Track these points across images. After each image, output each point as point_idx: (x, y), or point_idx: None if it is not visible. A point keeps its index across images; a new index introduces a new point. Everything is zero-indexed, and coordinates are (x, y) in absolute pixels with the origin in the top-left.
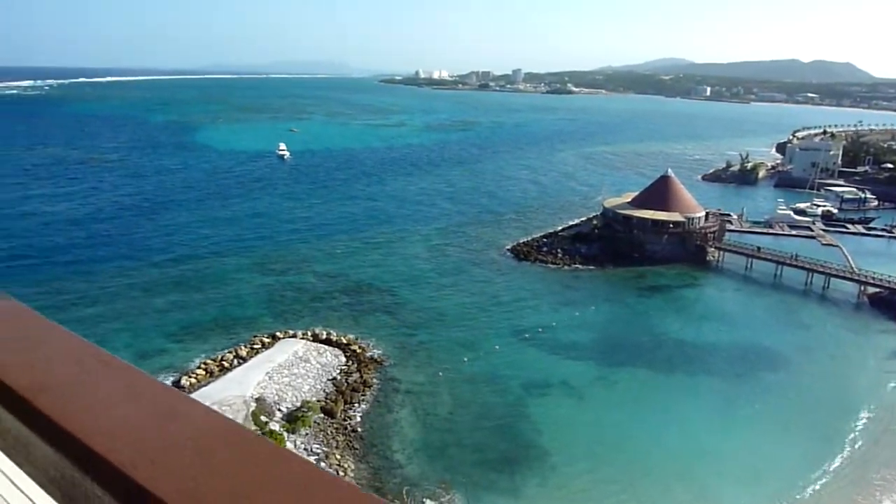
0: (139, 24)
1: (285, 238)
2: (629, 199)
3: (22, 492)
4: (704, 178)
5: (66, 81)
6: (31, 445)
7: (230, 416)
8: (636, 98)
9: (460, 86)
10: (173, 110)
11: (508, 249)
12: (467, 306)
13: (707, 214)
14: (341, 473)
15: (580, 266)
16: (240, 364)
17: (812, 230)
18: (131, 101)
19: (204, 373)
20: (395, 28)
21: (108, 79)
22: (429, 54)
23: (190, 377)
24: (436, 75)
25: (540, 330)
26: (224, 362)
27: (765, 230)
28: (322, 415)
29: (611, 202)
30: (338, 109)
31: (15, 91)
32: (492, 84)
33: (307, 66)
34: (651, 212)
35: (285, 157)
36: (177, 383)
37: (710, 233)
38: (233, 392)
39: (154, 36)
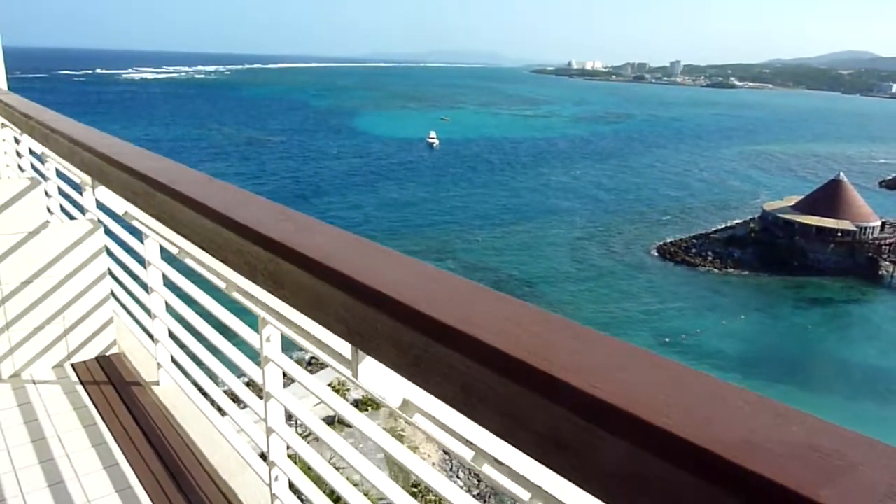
0: (308, 12)
1: (429, 224)
2: (793, 203)
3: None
4: (884, 184)
5: (243, 67)
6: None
7: (300, 439)
8: (808, 94)
9: (614, 77)
10: (333, 96)
11: (655, 249)
12: (606, 304)
13: (883, 224)
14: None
15: (732, 270)
16: None
17: None
18: (297, 87)
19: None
20: (548, 17)
21: (278, 65)
22: (582, 44)
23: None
24: (589, 66)
25: (683, 336)
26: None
27: None
28: None
29: (771, 205)
30: (489, 99)
31: (202, 76)
32: (647, 76)
33: (461, 56)
34: (817, 218)
35: (434, 145)
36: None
37: (886, 244)
38: (302, 415)
39: (318, 24)
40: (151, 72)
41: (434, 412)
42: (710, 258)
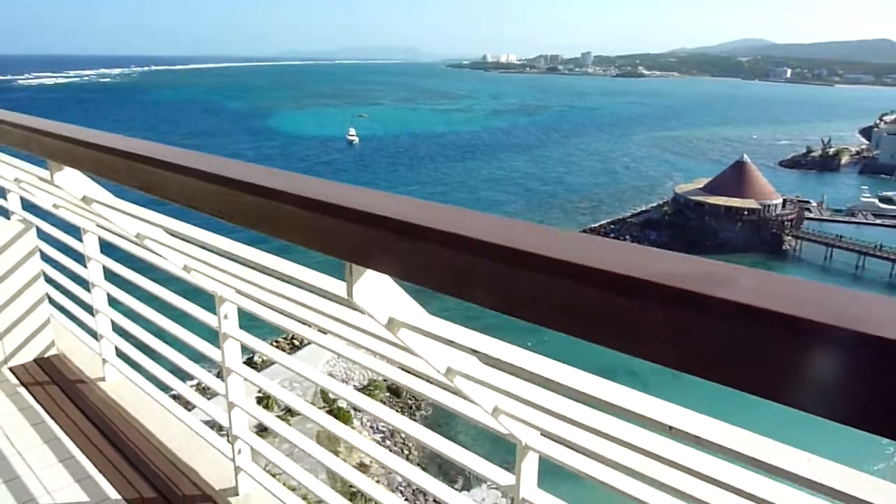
0: (208, 14)
1: None
2: (702, 186)
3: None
4: (782, 164)
5: (150, 69)
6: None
7: (298, 394)
8: (711, 81)
9: (528, 69)
10: (247, 96)
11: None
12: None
13: (784, 202)
14: (405, 452)
15: None
16: (310, 343)
17: None
18: (207, 88)
19: (276, 349)
20: (463, 12)
21: (187, 66)
22: (496, 38)
23: (262, 355)
24: (503, 59)
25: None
26: (295, 340)
27: (847, 219)
28: (388, 394)
29: (683, 188)
30: (406, 95)
31: (108, 79)
32: (560, 68)
33: (375, 52)
34: (724, 198)
35: (354, 142)
36: (250, 361)
37: (788, 220)
38: (302, 370)
39: (225, 25)
40: (51, 76)
41: (418, 325)
42: (628, 241)
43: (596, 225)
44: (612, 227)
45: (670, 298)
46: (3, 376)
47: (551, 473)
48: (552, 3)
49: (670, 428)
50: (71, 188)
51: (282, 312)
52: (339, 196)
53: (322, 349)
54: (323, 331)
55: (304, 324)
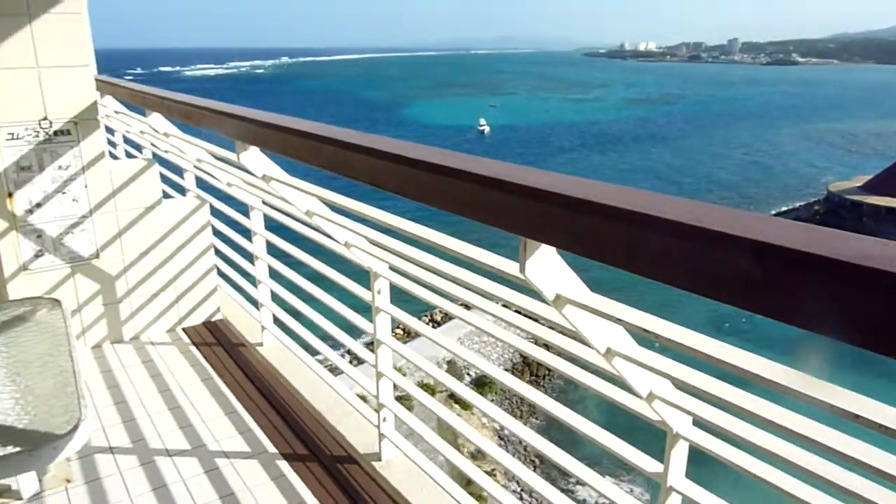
0: (345, 7)
1: None
2: (860, 184)
3: None
4: None
5: (296, 60)
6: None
7: (409, 382)
8: (878, 69)
9: (668, 58)
10: (382, 86)
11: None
12: (667, 291)
13: None
14: (522, 444)
15: None
16: (434, 328)
17: None
18: (346, 78)
19: (402, 333)
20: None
21: (328, 58)
22: (635, 25)
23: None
24: (642, 47)
25: (743, 320)
26: (435, 319)
27: None
28: (533, 377)
29: (837, 186)
30: (537, 84)
31: (261, 70)
32: (704, 55)
33: (508, 42)
34: (887, 199)
35: (485, 132)
36: (369, 344)
37: None
38: (425, 354)
39: (359, 17)
40: (212, 67)
41: (583, 301)
42: None
43: None
44: None
45: (865, 279)
46: (178, 336)
47: (701, 464)
48: None
49: (880, 426)
50: (253, 167)
51: (433, 289)
52: (514, 174)
53: (457, 328)
54: (467, 306)
55: (455, 301)
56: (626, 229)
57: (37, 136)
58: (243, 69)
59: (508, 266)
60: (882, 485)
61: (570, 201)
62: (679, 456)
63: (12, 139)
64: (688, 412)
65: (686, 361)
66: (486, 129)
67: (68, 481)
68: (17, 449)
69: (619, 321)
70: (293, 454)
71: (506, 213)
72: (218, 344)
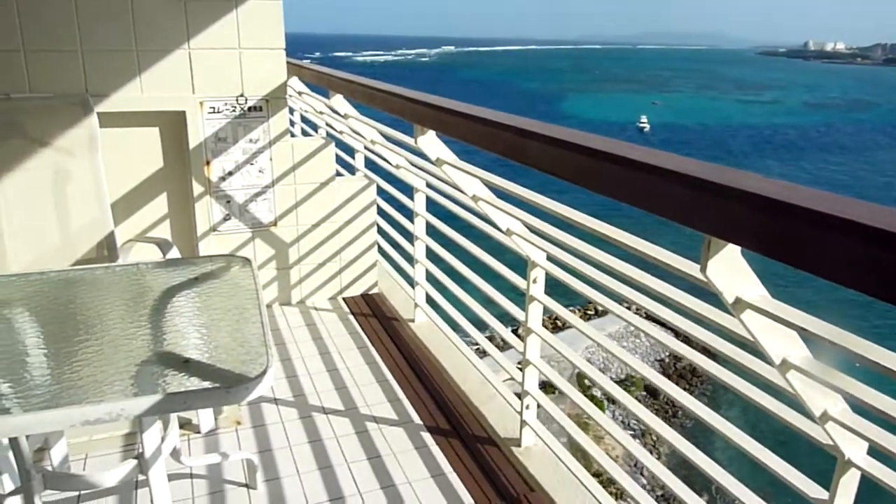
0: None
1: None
2: None
3: None
4: None
5: (461, 50)
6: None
7: (556, 373)
8: None
9: (859, 60)
10: (542, 78)
11: None
12: (870, 318)
13: None
14: (654, 455)
15: None
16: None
17: None
18: (508, 69)
19: (551, 325)
20: None
21: (492, 48)
22: (821, 22)
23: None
24: (829, 47)
25: None
26: (558, 321)
27: None
28: (644, 392)
29: None
30: (706, 83)
31: (426, 59)
32: None
33: (678, 37)
34: None
35: (645, 129)
36: (515, 331)
37: None
38: (563, 350)
39: (527, 9)
40: (381, 54)
41: (765, 307)
42: None
43: None
44: None
45: None
46: (338, 304)
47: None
48: None
49: None
50: (429, 149)
51: (590, 283)
52: (703, 172)
53: (608, 325)
54: (628, 306)
55: (613, 297)
56: (823, 233)
57: (234, 110)
58: (409, 56)
59: (687, 266)
60: None
61: (764, 202)
62: (848, 485)
63: (213, 112)
64: (864, 437)
65: (867, 382)
66: (647, 126)
67: (238, 423)
68: (217, 385)
69: (803, 330)
70: (436, 427)
71: (692, 208)
72: (373, 316)
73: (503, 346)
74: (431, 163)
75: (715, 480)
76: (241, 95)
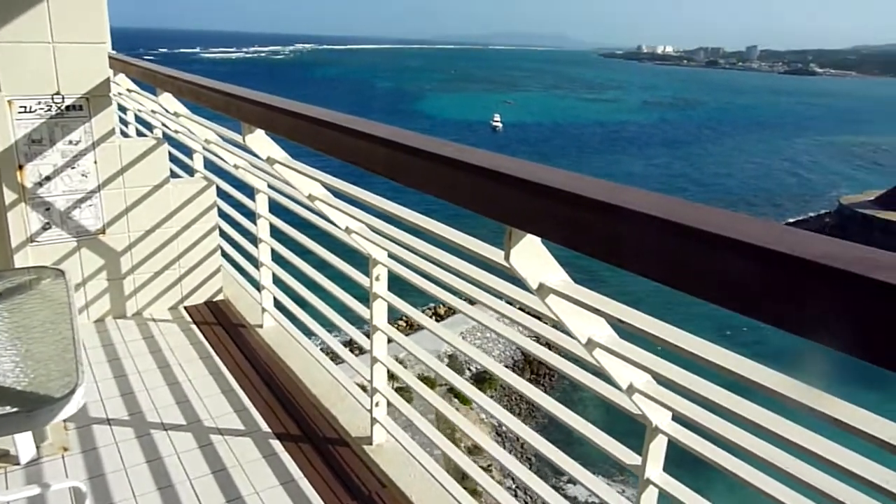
0: None
1: None
2: (873, 198)
3: None
4: None
5: (314, 47)
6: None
7: (402, 368)
8: None
9: (686, 62)
10: (397, 77)
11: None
12: (669, 299)
13: None
14: (520, 442)
15: None
16: (452, 315)
17: None
18: (362, 67)
19: (405, 325)
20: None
21: (347, 46)
22: (653, 28)
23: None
24: (659, 50)
25: (745, 329)
26: (438, 313)
27: None
28: (532, 375)
29: (849, 199)
30: (555, 83)
31: (280, 56)
32: (721, 62)
33: (527, 38)
34: None
35: (498, 128)
36: (368, 334)
37: None
38: (426, 347)
39: (381, 7)
40: (232, 51)
41: (566, 291)
42: None
43: None
44: None
45: (828, 277)
46: (180, 314)
47: (680, 458)
48: None
49: (811, 409)
50: (259, 149)
51: (430, 278)
52: (505, 165)
53: (461, 323)
54: (471, 301)
55: (452, 292)
56: (610, 222)
57: (49, 110)
58: (262, 54)
59: (494, 254)
60: (857, 488)
61: (556, 193)
62: (657, 450)
63: (24, 112)
64: (667, 407)
65: (668, 357)
66: (500, 125)
67: (65, 449)
68: (15, 409)
69: (599, 312)
70: (286, 434)
71: (493, 201)
72: (218, 324)
73: (352, 345)
74: (264, 162)
75: (555, 464)
76: (58, 93)
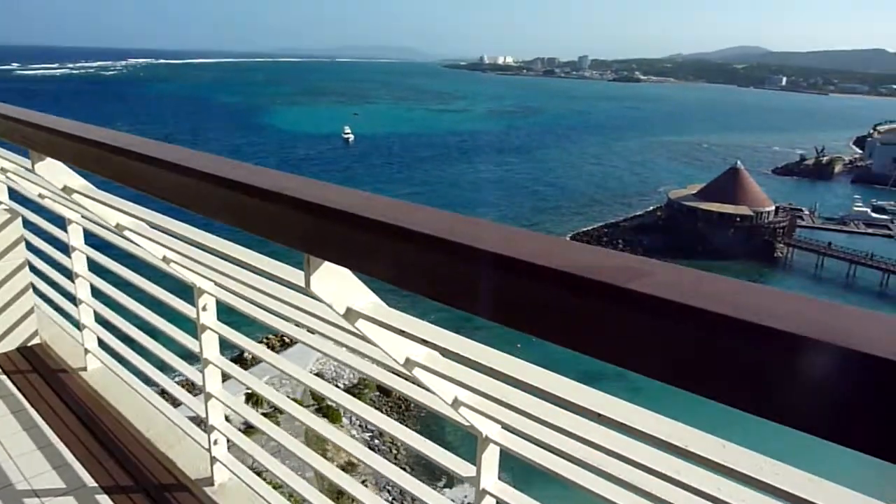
0: (208, 8)
1: None
2: (695, 191)
3: None
4: (776, 171)
5: (148, 62)
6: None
7: (288, 391)
8: (707, 87)
9: (525, 72)
10: (241, 91)
11: (570, 239)
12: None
13: (777, 209)
14: (394, 452)
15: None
16: (284, 349)
17: (890, 228)
18: (202, 83)
19: (266, 347)
20: (461, 12)
21: (185, 61)
22: (494, 40)
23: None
24: (500, 61)
25: (534, 340)
26: (285, 338)
27: (839, 227)
28: (378, 393)
29: (676, 193)
30: (402, 94)
31: (113, 72)
32: (557, 70)
33: (373, 51)
34: (718, 204)
35: (349, 140)
36: (238, 358)
37: (780, 228)
38: (292, 367)
39: (224, 20)
40: (53, 67)
41: (375, 316)
42: (620, 246)
43: (589, 228)
44: (606, 230)
45: (586, 289)
46: None
47: (516, 465)
48: (550, 6)
49: (599, 415)
50: (52, 178)
51: (258, 305)
52: (295, 188)
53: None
54: (286, 319)
55: (282, 318)
56: (392, 243)
57: None
58: (91, 70)
59: (297, 278)
60: (661, 479)
61: (344, 216)
62: (490, 459)
63: None
64: (494, 419)
65: (490, 372)
66: (351, 137)
67: None
68: None
69: (405, 334)
70: (115, 486)
71: (287, 227)
72: (34, 371)
73: (189, 382)
74: (40, 208)
75: (377, 471)
76: None
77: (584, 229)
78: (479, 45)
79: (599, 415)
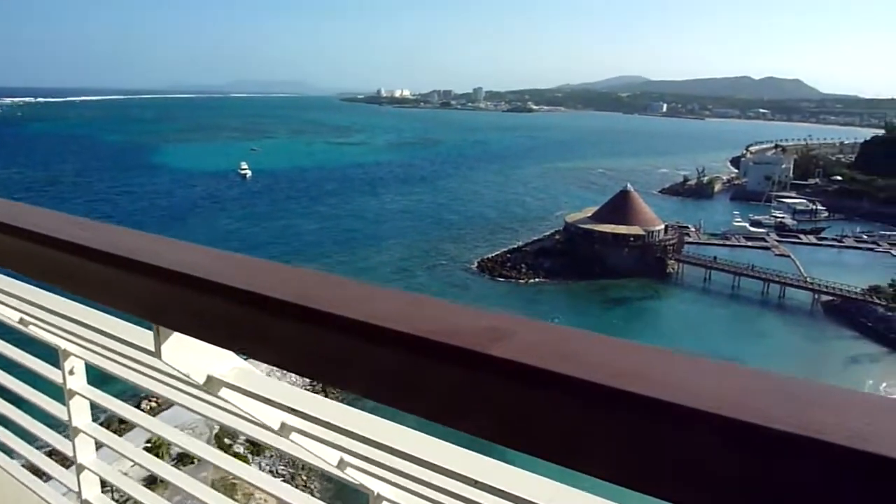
0: (92, 44)
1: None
2: (590, 214)
3: None
4: (663, 191)
5: (24, 101)
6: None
7: (193, 438)
8: (595, 115)
9: (422, 104)
10: (127, 129)
11: (475, 266)
12: None
13: (666, 227)
14: (307, 493)
15: (546, 280)
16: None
17: (766, 241)
18: (84, 121)
19: (131, 407)
20: (356, 46)
21: (65, 99)
22: (390, 73)
23: (150, 401)
24: (397, 94)
25: None
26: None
27: (722, 242)
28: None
29: (572, 217)
30: (299, 128)
31: None
32: (453, 102)
33: (268, 86)
34: (612, 226)
35: (247, 176)
36: (137, 406)
37: (670, 245)
38: (196, 416)
39: (109, 56)
40: None
41: (240, 384)
42: (524, 270)
43: (494, 254)
44: (509, 256)
45: (449, 354)
46: None
47: None
48: (445, 38)
49: (475, 482)
50: None
51: (127, 367)
52: (139, 250)
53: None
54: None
55: (150, 381)
56: (250, 312)
57: None
58: None
59: (149, 344)
60: None
61: (190, 280)
62: None
63: None
64: (381, 478)
65: (368, 441)
66: (249, 173)
67: None
68: None
69: (271, 403)
70: None
71: (127, 294)
72: None
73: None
74: None
75: None
76: None
77: (490, 255)
78: (377, 78)
79: (476, 482)
